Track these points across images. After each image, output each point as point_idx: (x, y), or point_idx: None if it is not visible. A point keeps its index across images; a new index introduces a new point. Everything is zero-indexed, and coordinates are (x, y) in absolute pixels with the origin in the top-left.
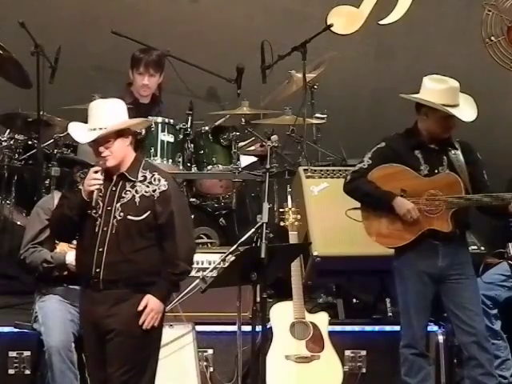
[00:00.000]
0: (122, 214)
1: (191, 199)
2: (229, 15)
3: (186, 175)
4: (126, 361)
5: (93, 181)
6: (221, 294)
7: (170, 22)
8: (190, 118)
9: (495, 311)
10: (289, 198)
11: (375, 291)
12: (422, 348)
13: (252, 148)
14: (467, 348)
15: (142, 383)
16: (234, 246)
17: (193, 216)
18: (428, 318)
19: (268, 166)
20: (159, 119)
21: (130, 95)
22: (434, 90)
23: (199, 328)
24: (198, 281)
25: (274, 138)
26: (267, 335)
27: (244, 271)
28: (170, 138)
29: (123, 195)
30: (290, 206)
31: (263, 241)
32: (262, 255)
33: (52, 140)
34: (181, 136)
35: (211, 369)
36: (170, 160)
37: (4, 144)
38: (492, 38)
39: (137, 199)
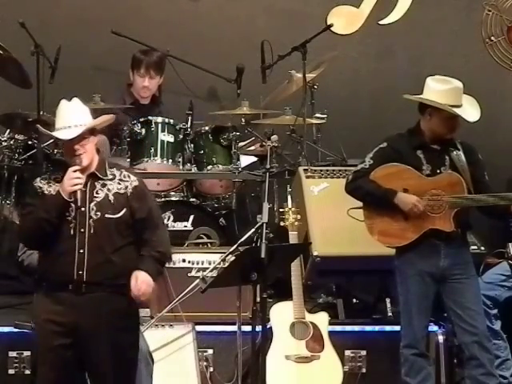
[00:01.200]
0: (98, 213)
1: (191, 199)
2: (229, 15)
3: (185, 175)
4: (112, 364)
5: (75, 180)
6: (221, 294)
7: (169, 21)
8: (189, 118)
9: (495, 311)
10: (289, 198)
11: (375, 291)
12: (423, 348)
13: (252, 148)
14: (468, 348)
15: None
16: (234, 246)
17: (193, 216)
18: (429, 318)
19: (268, 166)
20: (159, 119)
21: (130, 96)
22: (439, 90)
23: (199, 328)
24: (198, 281)
25: (274, 137)
26: (267, 335)
27: (244, 271)
28: (170, 138)
29: (95, 195)
30: (290, 205)
31: (263, 241)
32: (262, 255)
33: (52, 140)
34: (181, 136)
35: (211, 369)
36: (170, 160)
37: (4, 144)
38: (492, 38)
39: (111, 197)
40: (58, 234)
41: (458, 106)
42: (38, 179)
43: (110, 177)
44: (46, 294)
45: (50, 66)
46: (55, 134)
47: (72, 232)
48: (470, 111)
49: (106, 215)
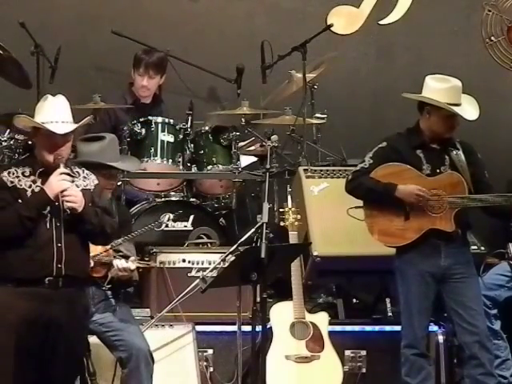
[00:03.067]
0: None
1: (191, 199)
2: (229, 15)
3: (185, 175)
4: (75, 361)
5: (64, 182)
6: (221, 294)
7: (170, 21)
8: (189, 117)
9: (495, 311)
10: (289, 198)
11: (375, 291)
12: (423, 348)
13: (252, 148)
14: (469, 347)
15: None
16: (234, 246)
17: (193, 216)
18: (429, 318)
19: (268, 166)
20: (159, 119)
21: (131, 95)
22: (438, 88)
23: (199, 328)
24: (198, 281)
25: (274, 137)
26: (267, 335)
27: (244, 271)
28: (170, 138)
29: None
30: (290, 205)
31: (263, 241)
32: (262, 255)
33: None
34: (181, 136)
35: (211, 369)
36: (170, 160)
37: (4, 144)
38: (492, 38)
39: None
40: (34, 228)
41: (457, 105)
42: (5, 172)
43: (76, 174)
44: (14, 291)
45: (50, 65)
46: (49, 126)
47: (48, 226)
48: (468, 110)
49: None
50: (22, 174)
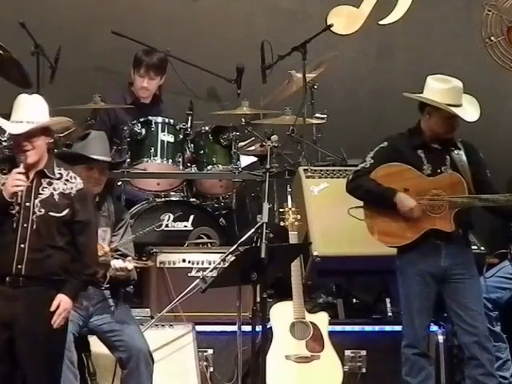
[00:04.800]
0: (42, 210)
1: (191, 199)
2: (229, 15)
3: (186, 175)
4: (44, 360)
5: (18, 181)
6: (221, 294)
7: (170, 21)
8: (189, 117)
9: (496, 313)
10: (289, 198)
11: (375, 291)
12: (424, 348)
13: (252, 148)
14: (468, 348)
15: (54, 382)
16: (234, 246)
17: (193, 216)
18: (430, 319)
19: (268, 166)
20: (159, 119)
21: (131, 95)
22: (438, 89)
23: (199, 328)
24: (198, 281)
25: (274, 138)
26: (267, 335)
27: (244, 271)
28: (170, 138)
29: (41, 192)
30: (290, 205)
31: (263, 241)
32: (262, 255)
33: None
34: (181, 136)
35: (211, 369)
36: (170, 160)
37: (4, 144)
38: (492, 38)
39: (56, 196)
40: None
41: (458, 106)
42: None
43: (57, 176)
44: None
45: (50, 65)
46: (5, 126)
47: (14, 226)
48: (469, 111)
49: (50, 213)
50: (1, 171)
